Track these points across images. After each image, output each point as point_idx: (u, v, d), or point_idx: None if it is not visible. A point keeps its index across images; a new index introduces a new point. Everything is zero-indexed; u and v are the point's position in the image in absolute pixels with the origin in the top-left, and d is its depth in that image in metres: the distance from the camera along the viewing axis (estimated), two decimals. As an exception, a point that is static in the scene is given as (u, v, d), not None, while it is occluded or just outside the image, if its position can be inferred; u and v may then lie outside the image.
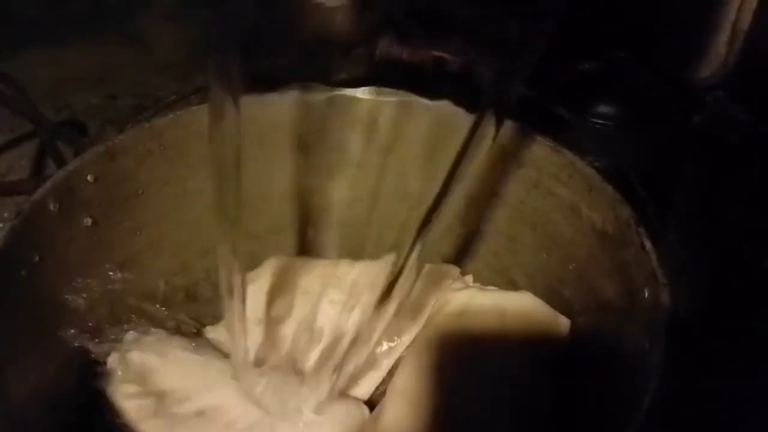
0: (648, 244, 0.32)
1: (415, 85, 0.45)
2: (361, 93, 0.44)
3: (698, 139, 0.58)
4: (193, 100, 0.57)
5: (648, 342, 0.29)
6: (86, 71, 0.81)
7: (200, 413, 0.34)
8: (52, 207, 0.35)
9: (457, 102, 0.41)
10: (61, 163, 0.57)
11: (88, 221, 0.38)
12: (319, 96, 0.43)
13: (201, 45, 0.88)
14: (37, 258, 0.34)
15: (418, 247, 0.29)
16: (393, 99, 0.43)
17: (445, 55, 0.47)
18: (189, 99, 0.57)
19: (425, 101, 0.42)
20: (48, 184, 0.35)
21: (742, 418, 0.40)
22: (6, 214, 0.62)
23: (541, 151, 0.39)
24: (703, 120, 0.56)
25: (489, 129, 0.29)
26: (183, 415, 0.34)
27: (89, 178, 0.37)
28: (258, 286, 0.42)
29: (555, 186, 0.39)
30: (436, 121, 0.41)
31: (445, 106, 0.41)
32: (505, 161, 0.42)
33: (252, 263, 0.45)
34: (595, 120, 0.51)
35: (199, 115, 0.42)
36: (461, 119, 0.40)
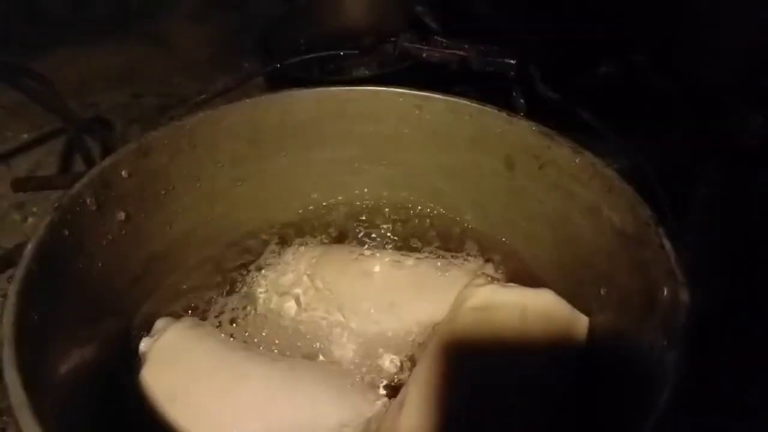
0: (667, 244, 0.32)
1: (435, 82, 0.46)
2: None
3: (716, 143, 0.58)
4: (219, 100, 0.59)
5: (666, 339, 0.30)
6: (112, 71, 0.83)
7: (226, 397, 0.35)
8: (89, 201, 0.36)
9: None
10: (89, 159, 0.58)
11: (122, 215, 0.39)
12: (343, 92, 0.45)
13: (223, 46, 0.90)
14: (74, 249, 0.35)
15: None
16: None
17: (465, 53, 0.48)
18: (215, 98, 0.59)
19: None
20: (85, 179, 0.37)
21: (756, 415, 0.41)
22: (34, 209, 0.63)
23: (561, 151, 0.40)
24: (722, 124, 0.56)
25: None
26: (209, 398, 0.35)
27: (123, 173, 0.39)
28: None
29: (575, 186, 0.39)
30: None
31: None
32: (525, 161, 0.42)
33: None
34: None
35: (227, 113, 0.44)
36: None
